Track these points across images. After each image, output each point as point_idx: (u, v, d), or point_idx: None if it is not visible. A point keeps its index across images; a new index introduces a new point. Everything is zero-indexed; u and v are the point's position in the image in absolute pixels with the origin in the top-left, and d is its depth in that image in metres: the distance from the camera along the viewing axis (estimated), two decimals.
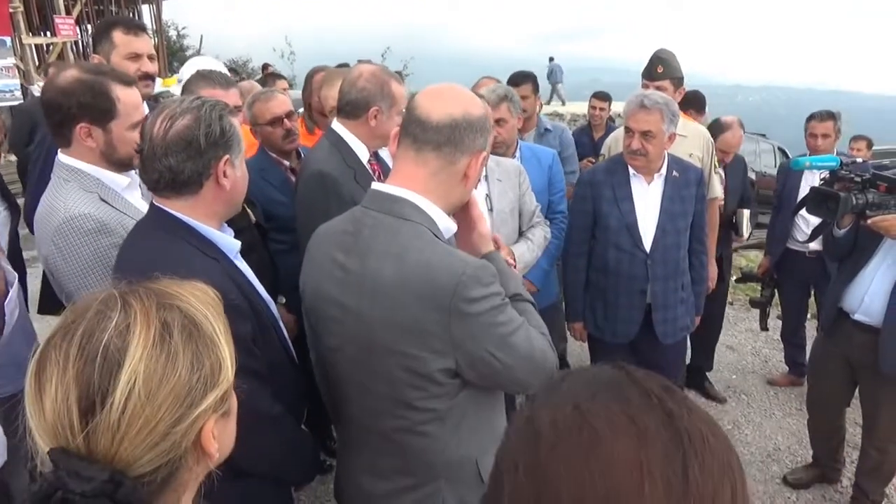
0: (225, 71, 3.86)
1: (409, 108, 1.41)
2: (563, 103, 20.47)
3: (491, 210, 2.72)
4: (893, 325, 2.79)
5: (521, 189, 2.80)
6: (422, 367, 1.32)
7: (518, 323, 1.36)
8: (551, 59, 21.74)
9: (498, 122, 3.03)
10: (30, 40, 11.50)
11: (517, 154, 3.21)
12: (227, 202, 1.52)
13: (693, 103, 6.42)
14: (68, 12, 13.03)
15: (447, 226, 1.46)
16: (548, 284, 3.28)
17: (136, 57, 2.55)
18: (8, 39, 10.38)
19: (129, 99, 1.86)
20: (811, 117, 4.03)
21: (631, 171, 2.89)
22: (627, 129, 2.81)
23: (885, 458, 2.97)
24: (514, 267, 2.61)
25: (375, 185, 1.42)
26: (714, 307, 3.96)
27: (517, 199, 2.77)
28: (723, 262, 4.02)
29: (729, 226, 4.07)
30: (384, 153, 2.99)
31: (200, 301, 0.84)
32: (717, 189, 3.52)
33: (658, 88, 3.30)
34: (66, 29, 12.28)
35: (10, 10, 10.82)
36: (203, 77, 2.48)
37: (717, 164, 3.51)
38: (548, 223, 2.97)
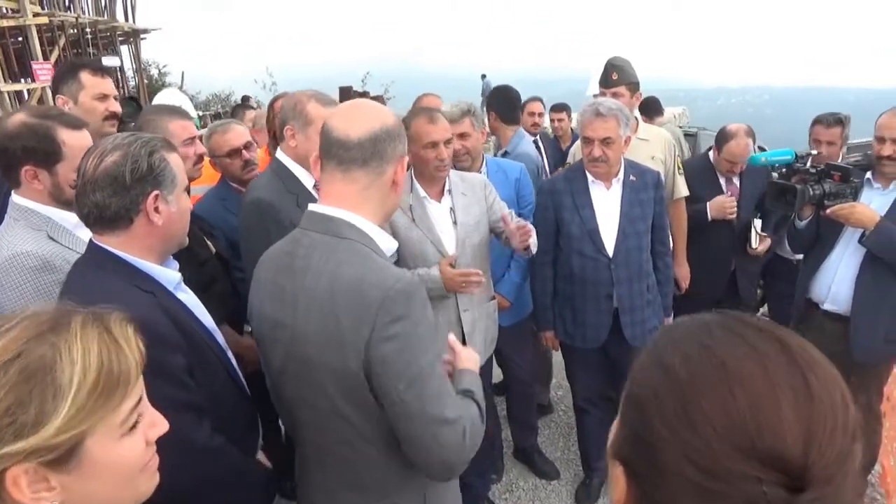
0: (189, 105, 3.91)
1: (324, 132, 1.43)
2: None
3: (455, 223, 2.73)
4: (861, 312, 2.81)
5: (487, 201, 2.81)
6: (351, 381, 1.32)
7: (441, 379, 1.33)
8: (483, 77, 22.67)
9: (461, 136, 3.07)
10: (8, 87, 11.57)
11: (483, 168, 3.24)
12: (162, 238, 1.53)
13: (649, 109, 6.54)
14: (46, 58, 13.12)
15: (388, 246, 1.47)
16: (521, 298, 3.29)
17: (103, 97, 2.61)
18: None
19: (76, 142, 1.90)
20: (817, 121, 3.49)
21: (589, 177, 2.92)
22: (586, 139, 2.84)
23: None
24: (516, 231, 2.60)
25: (311, 207, 1.43)
26: None
27: (483, 212, 2.78)
28: (737, 274, 3.71)
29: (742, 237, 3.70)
30: None
31: (89, 350, 0.81)
32: (681, 189, 3.54)
33: (614, 95, 3.35)
34: (45, 74, 12.34)
35: None
36: (163, 110, 2.51)
37: (679, 166, 3.54)
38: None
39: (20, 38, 12.85)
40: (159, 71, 27.12)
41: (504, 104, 3.96)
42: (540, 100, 5.91)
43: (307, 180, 2.45)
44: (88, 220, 1.46)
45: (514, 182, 3.25)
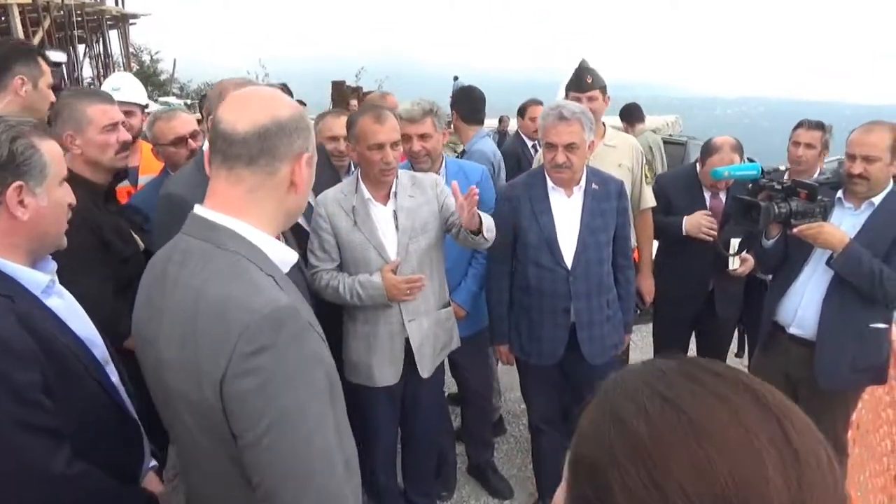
0: (137, 88, 3.70)
1: (214, 122, 1.26)
2: None
3: (397, 228, 2.56)
4: (827, 338, 2.67)
5: (439, 200, 2.65)
6: (210, 416, 1.14)
7: (318, 425, 1.15)
8: (456, 78, 22.65)
9: (422, 136, 2.91)
10: None
11: (442, 170, 3.08)
12: (29, 235, 1.36)
13: (631, 115, 6.39)
14: (28, 38, 12.85)
15: (284, 258, 1.30)
16: (477, 308, 3.13)
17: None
18: None
19: None
20: (798, 125, 3.54)
21: (550, 184, 2.76)
22: (549, 145, 2.68)
23: None
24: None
25: (197, 209, 1.26)
26: (717, 341, 3.68)
27: (434, 213, 2.62)
28: (715, 293, 3.48)
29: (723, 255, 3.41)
30: None
31: None
32: (648, 199, 3.40)
33: (590, 99, 3.21)
34: None
35: None
36: (81, 94, 2.32)
37: (647, 175, 3.39)
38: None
39: (2, 18, 12.57)
40: (151, 57, 26.81)
41: (467, 104, 3.83)
42: (541, 103, 5.74)
43: None
44: None
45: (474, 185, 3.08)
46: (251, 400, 1.09)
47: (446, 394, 3.94)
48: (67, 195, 1.42)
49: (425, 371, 2.67)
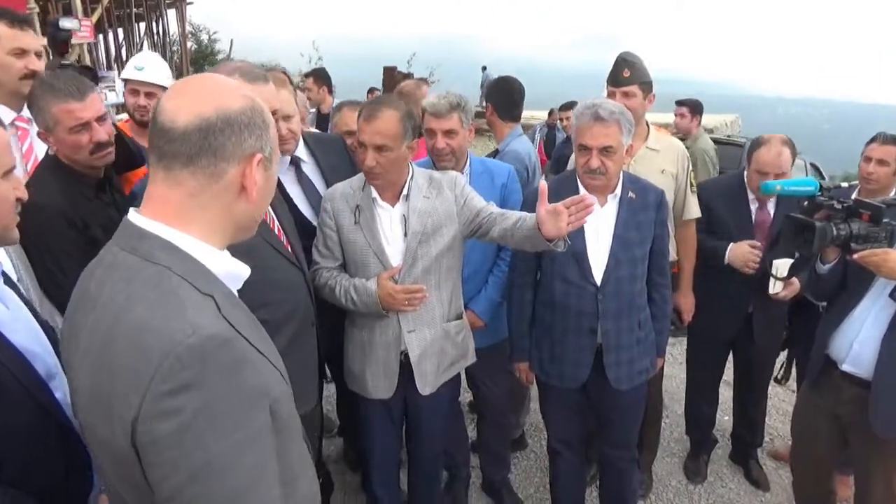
0: (161, 68, 3.58)
1: (154, 113, 1.08)
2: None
3: (406, 233, 2.37)
4: (885, 379, 2.37)
5: (458, 202, 2.44)
6: (122, 458, 0.97)
7: (253, 474, 0.97)
8: (484, 68, 22.54)
9: (448, 133, 2.70)
10: (43, 41, 11.52)
11: (467, 168, 2.87)
12: None
13: (696, 108, 5.95)
14: (87, 15, 13.07)
15: (232, 272, 1.13)
16: (497, 320, 2.92)
17: (21, 52, 2.31)
18: None
19: None
20: (872, 139, 3.18)
21: (581, 190, 2.52)
22: (582, 147, 2.44)
23: None
24: None
25: (131, 214, 1.08)
26: (758, 368, 3.42)
27: (450, 216, 2.41)
28: (754, 316, 3.20)
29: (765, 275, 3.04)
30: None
31: None
32: (692, 209, 3.12)
33: (626, 95, 2.95)
34: (83, 31, 12.29)
35: (27, 11, 10.85)
36: (50, 88, 2.13)
37: (693, 183, 3.11)
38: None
39: None
40: (209, 37, 27.18)
41: (502, 97, 3.54)
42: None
43: None
44: None
45: (500, 187, 2.87)
46: (168, 447, 0.91)
47: (467, 401, 3.76)
48: (11, 189, 1.27)
49: (426, 387, 2.48)
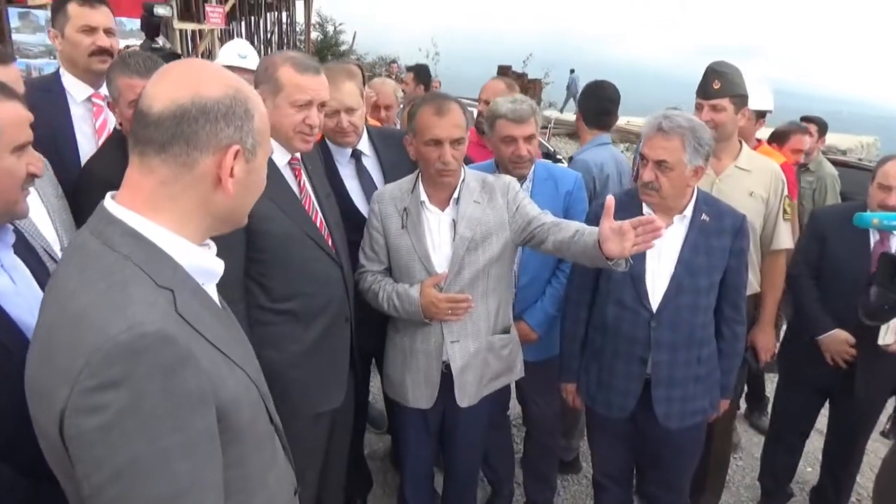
0: (254, 57, 3.69)
1: (139, 97, 1.04)
2: (562, 111, 21.79)
3: (453, 239, 2.27)
4: None
5: (510, 208, 2.32)
6: (56, 448, 0.94)
7: (182, 482, 0.91)
8: (572, 71, 23.93)
9: (528, 138, 2.59)
10: (180, 25, 12.35)
11: (530, 174, 2.73)
12: None
13: (823, 127, 5.37)
14: (220, 2, 13.89)
15: (201, 264, 1.07)
16: (552, 333, 2.76)
17: (90, 30, 2.41)
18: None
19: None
20: None
21: (645, 208, 2.32)
22: (642, 157, 2.25)
23: None
24: None
25: (106, 198, 1.05)
26: (858, 421, 3.00)
27: (501, 224, 2.30)
28: (857, 368, 2.79)
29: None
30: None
31: None
32: (783, 239, 2.80)
33: (714, 108, 2.70)
34: (215, 17, 13.07)
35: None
36: (122, 63, 2.23)
37: (787, 209, 2.80)
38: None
39: None
40: (335, 28, 28.21)
41: (592, 103, 3.37)
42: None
43: (279, 156, 2.11)
44: None
45: (563, 195, 2.71)
46: (91, 444, 0.88)
47: (517, 412, 3.61)
48: (23, 165, 1.28)
49: (465, 400, 2.37)
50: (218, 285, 1.50)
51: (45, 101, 2.34)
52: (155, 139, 0.99)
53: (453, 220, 2.28)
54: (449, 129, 2.16)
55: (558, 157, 9.35)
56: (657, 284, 2.30)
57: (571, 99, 22.81)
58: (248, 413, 1.07)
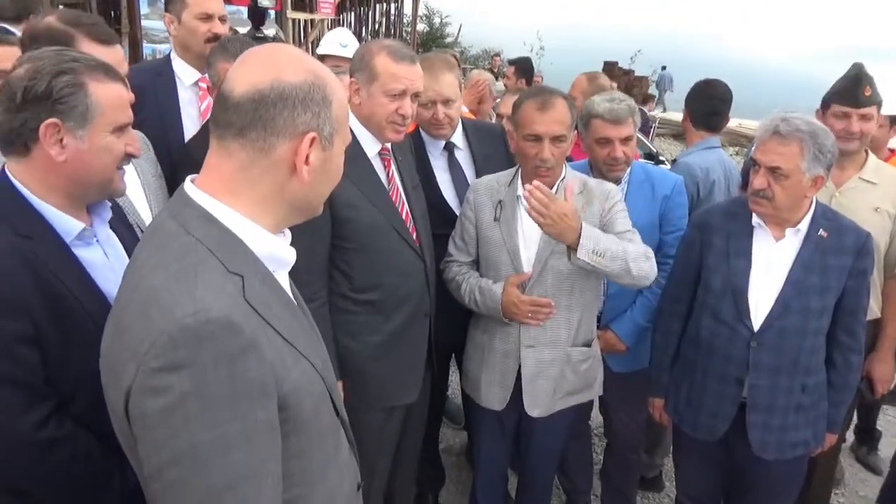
0: (354, 46, 3.72)
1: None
2: (664, 110, 20.75)
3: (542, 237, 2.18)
4: None
5: (604, 216, 2.23)
6: (124, 425, 0.95)
7: (241, 471, 0.90)
8: (664, 68, 23.25)
9: (625, 140, 2.48)
10: (293, 14, 12.80)
11: (626, 176, 2.59)
12: (68, 177, 1.28)
13: None
14: None
15: (273, 252, 1.06)
16: (640, 345, 2.62)
17: (207, 17, 2.49)
18: (273, 13, 11.62)
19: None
20: None
21: (755, 219, 2.13)
22: (754, 162, 2.07)
23: None
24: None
25: (186, 182, 1.06)
26: None
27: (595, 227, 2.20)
28: None
29: None
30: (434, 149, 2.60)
31: None
32: None
33: (864, 118, 2.49)
34: (326, 7, 13.46)
35: None
36: (222, 48, 2.28)
37: None
38: (646, 248, 2.21)
39: None
40: (441, 21, 28.40)
41: (701, 103, 3.16)
42: None
43: (370, 145, 2.10)
44: None
45: (661, 199, 2.56)
46: (153, 426, 0.89)
47: (598, 422, 3.48)
48: (121, 145, 1.32)
49: (535, 409, 2.29)
50: (303, 271, 1.50)
51: (156, 83, 2.45)
52: (234, 123, 0.98)
53: None
54: (550, 125, 2.08)
55: (661, 158, 8.96)
56: (761, 301, 2.11)
57: (663, 96, 22.16)
58: (311, 405, 1.05)
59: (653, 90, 21.23)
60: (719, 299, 2.17)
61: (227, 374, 0.89)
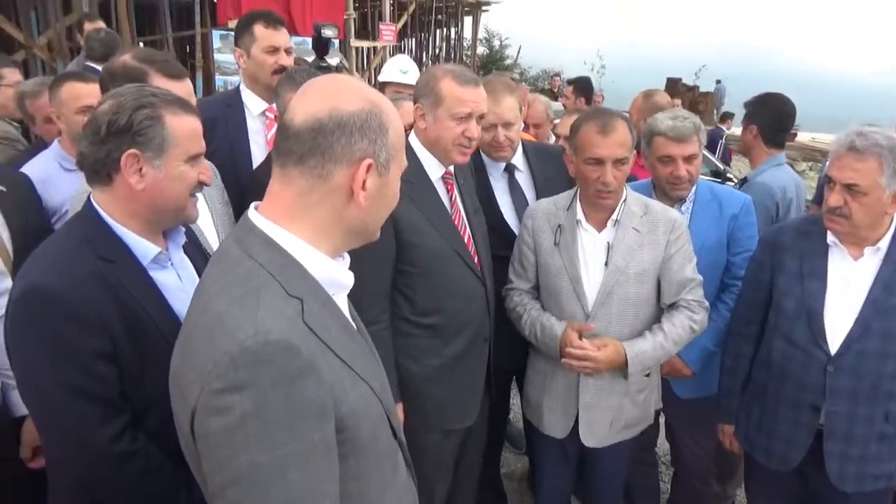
0: (415, 72, 3.79)
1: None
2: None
3: (606, 264, 2.15)
4: None
5: (667, 249, 2.16)
6: (189, 443, 0.99)
7: (299, 492, 0.93)
8: (718, 82, 22.65)
9: (689, 158, 2.43)
10: (356, 43, 13.18)
11: (691, 194, 2.53)
12: (146, 204, 1.36)
13: None
14: (394, 20, 14.63)
15: (332, 276, 1.09)
16: (709, 369, 2.53)
17: (274, 50, 2.59)
18: (337, 42, 11.98)
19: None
20: None
21: (830, 237, 2.05)
22: (829, 179, 1.99)
23: None
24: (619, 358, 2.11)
25: (250, 208, 1.11)
26: None
27: (656, 260, 2.15)
28: None
29: None
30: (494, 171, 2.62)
31: None
32: None
33: None
34: (388, 35, 13.77)
35: (345, 18, 12.53)
36: (289, 79, 2.36)
37: None
38: (704, 305, 2.22)
39: (378, 1, 14.50)
40: (501, 43, 28.63)
41: (771, 118, 3.06)
42: None
43: (434, 169, 2.13)
44: (80, 169, 1.37)
45: (728, 219, 2.48)
46: (216, 445, 0.92)
47: (665, 448, 3.37)
48: (195, 173, 1.39)
49: (591, 439, 2.24)
50: (367, 294, 1.51)
51: (227, 114, 2.57)
52: (294, 151, 1.02)
53: (609, 244, 2.16)
54: (612, 148, 2.05)
55: (728, 175, 8.69)
56: (838, 324, 2.01)
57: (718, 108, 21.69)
58: (369, 427, 1.06)
59: (736, 107, 20.81)
60: (792, 322, 2.09)
61: (285, 395, 0.91)
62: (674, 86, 19.88)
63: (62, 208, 2.24)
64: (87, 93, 2.24)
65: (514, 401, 3.33)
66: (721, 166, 9.51)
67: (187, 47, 11.91)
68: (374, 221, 1.12)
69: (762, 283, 2.22)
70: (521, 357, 2.48)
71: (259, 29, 2.57)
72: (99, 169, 1.32)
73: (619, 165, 2.08)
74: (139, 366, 1.30)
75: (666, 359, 2.24)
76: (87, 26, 5.23)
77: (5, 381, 1.81)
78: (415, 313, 2.12)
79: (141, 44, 10.50)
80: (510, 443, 3.64)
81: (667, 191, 2.49)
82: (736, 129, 18.80)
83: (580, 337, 2.13)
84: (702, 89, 21.40)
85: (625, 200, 2.18)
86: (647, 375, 2.27)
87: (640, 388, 2.25)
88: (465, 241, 2.20)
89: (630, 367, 2.10)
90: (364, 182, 1.04)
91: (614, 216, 2.17)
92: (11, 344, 1.27)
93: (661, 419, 2.81)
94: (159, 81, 1.75)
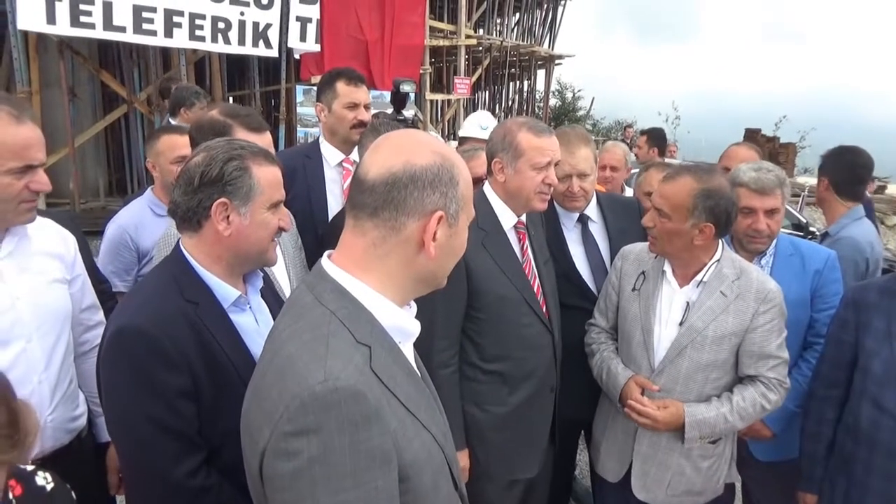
0: (491, 125, 3.88)
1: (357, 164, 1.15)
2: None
3: (681, 323, 2.09)
4: None
5: (754, 319, 2.06)
6: (258, 484, 1.02)
7: None
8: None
9: (771, 212, 2.37)
10: (431, 96, 13.58)
11: (771, 248, 2.45)
12: (230, 249, 1.44)
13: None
14: (469, 74, 15.03)
15: (399, 324, 1.12)
16: (789, 432, 2.40)
17: (354, 106, 2.73)
18: (413, 95, 12.40)
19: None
20: None
21: None
22: None
23: None
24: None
25: (324, 256, 1.16)
26: None
27: (739, 328, 2.06)
28: None
29: None
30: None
31: None
32: None
33: None
34: (462, 88, 14.14)
35: (421, 72, 12.98)
36: (374, 130, 2.48)
37: None
38: (784, 386, 2.13)
39: (453, 56, 14.96)
40: (573, 94, 28.83)
41: (845, 172, 2.96)
42: None
43: (507, 219, 2.17)
44: (172, 217, 1.47)
45: (812, 274, 2.39)
46: (282, 488, 0.94)
47: None
48: (275, 220, 1.47)
49: (642, 492, 2.16)
50: (440, 336, 1.51)
51: (306, 164, 2.72)
52: (368, 204, 1.07)
53: (688, 303, 2.11)
54: (657, 195, 2.10)
55: (811, 228, 8.32)
56: None
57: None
58: (430, 476, 1.07)
59: (802, 157, 19.98)
60: (882, 386, 1.96)
61: (349, 441, 0.93)
62: (752, 137, 19.38)
63: (152, 251, 2.40)
64: (183, 144, 2.43)
65: (582, 455, 3.25)
66: (804, 220, 9.13)
67: (272, 101, 12.62)
68: (443, 270, 1.15)
69: (846, 344, 2.10)
70: (589, 408, 2.44)
71: (341, 86, 2.72)
72: (190, 217, 1.41)
73: (659, 216, 2.07)
74: (216, 404, 1.36)
75: (729, 432, 2.15)
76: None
77: (94, 409, 1.92)
78: (481, 359, 2.13)
79: (230, 98, 11.21)
80: (576, 500, 3.53)
81: (744, 243, 2.42)
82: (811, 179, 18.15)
83: (642, 393, 2.08)
84: (783, 140, 20.73)
85: (718, 261, 2.11)
86: (714, 443, 2.16)
87: (704, 454, 2.15)
88: (535, 289, 2.21)
89: (687, 433, 2.04)
90: (435, 233, 1.07)
91: (701, 276, 2.10)
92: (103, 378, 1.37)
93: (737, 482, 2.67)
94: (242, 134, 1.87)
